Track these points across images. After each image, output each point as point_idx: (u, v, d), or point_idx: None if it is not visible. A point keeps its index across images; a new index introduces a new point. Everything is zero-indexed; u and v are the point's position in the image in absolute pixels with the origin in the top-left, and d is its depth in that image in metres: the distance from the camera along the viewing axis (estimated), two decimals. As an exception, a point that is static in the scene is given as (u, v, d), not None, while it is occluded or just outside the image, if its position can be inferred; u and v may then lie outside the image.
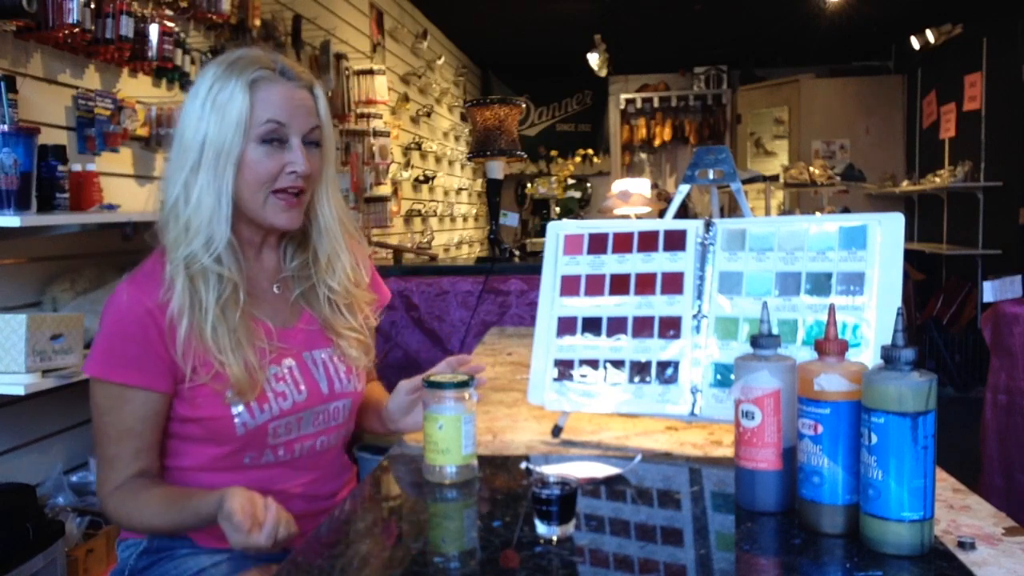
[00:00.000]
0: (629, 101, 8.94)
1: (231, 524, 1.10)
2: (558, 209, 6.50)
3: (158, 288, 1.22)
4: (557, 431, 1.33)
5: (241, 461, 1.28)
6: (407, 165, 5.73)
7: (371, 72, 4.69)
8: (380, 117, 4.82)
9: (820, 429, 0.91)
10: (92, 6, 2.36)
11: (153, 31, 2.65)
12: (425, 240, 5.65)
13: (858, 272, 1.15)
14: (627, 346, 1.29)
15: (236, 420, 1.24)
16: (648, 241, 1.33)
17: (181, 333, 1.20)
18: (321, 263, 1.35)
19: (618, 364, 1.29)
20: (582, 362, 1.32)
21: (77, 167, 2.30)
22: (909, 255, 4.87)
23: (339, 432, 1.38)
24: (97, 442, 1.25)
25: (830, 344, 0.93)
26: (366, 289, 1.43)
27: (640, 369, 1.27)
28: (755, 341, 1.00)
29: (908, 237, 6.86)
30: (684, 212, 3.35)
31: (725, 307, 1.24)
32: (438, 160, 6.67)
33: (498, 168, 3.54)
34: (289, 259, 1.37)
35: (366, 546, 0.94)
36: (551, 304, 1.37)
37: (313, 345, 1.35)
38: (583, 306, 1.35)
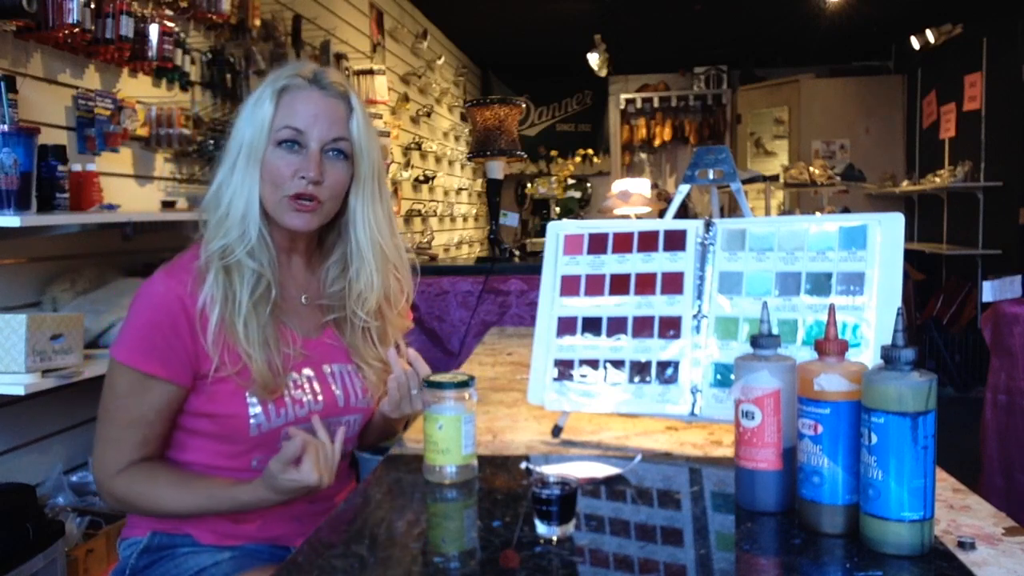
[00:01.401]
0: (629, 101, 8.94)
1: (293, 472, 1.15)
2: (558, 209, 6.50)
3: (192, 281, 1.25)
4: (557, 431, 1.33)
5: (248, 463, 1.28)
6: (407, 165, 5.74)
7: (371, 72, 4.70)
8: (380, 117, 4.83)
9: (820, 429, 0.91)
10: (92, 6, 2.36)
11: (153, 31, 2.65)
12: (425, 240, 5.65)
13: (858, 272, 1.15)
14: (627, 346, 1.29)
15: (252, 420, 1.25)
16: (648, 241, 1.33)
17: (212, 323, 1.22)
18: (354, 292, 1.35)
19: (618, 364, 1.29)
20: (582, 362, 1.32)
21: (77, 167, 2.30)
22: (909, 255, 4.87)
23: (346, 445, 1.39)
24: (102, 422, 1.26)
25: (830, 344, 0.93)
26: (402, 315, 1.44)
27: (640, 369, 1.27)
28: (755, 341, 1.00)
29: (908, 237, 6.86)
30: (684, 212, 3.35)
31: (725, 307, 1.24)
32: (438, 160, 6.67)
33: (498, 168, 3.54)
34: (329, 284, 1.37)
35: (366, 546, 0.94)
36: (551, 304, 1.37)
37: (333, 359, 1.36)
38: (583, 306, 1.35)
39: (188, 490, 1.24)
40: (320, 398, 1.31)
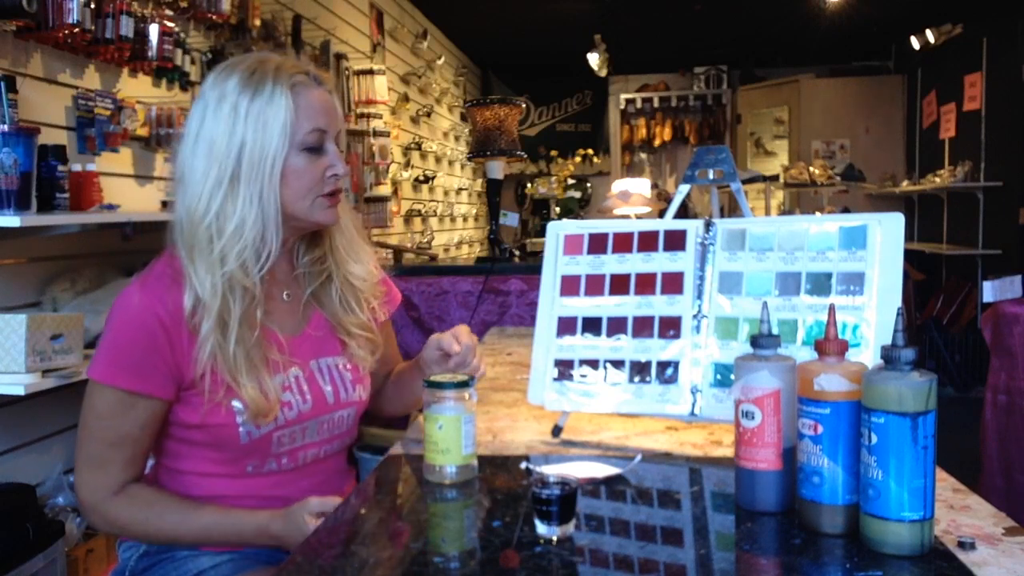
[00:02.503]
0: (629, 101, 8.94)
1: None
2: (558, 209, 6.51)
3: (168, 292, 1.20)
4: (557, 431, 1.33)
5: (244, 469, 1.28)
6: (407, 165, 5.74)
7: (371, 72, 4.70)
8: (380, 117, 4.83)
9: (820, 429, 0.91)
10: (92, 6, 2.36)
11: (153, 31, 2.65)
12: (425, 240, 5.65)
13: (858, 272, 1.15)
14: (627, 346, 1.29)
15: (240, 429, 1.23)
16: (648, 241, 1.33)
17: (205, 352, 1.19)
18: (341, 252, 1.35)
19: (618, 364, 1.29)
20: (582, 362, 1.32)
21: (77, 167, 2.31)
22: (909, 255, 4.87)
23: (343, 440, 1.38)
24: (85, 442, 1.22)
25: (830, 344, 0.93)
26: (376, 282, 1.43)
27: (640, 369, 1.27)
28: (755, 341, 1.00)
29: (908, 237, 6.86)
30: (684, 212, 3.35)
31: (725, 307, 1.24)
32: (438, 160, 6.67)
33: (498, 168, 3.54)
34: (301, 255, 1.36)
35: (366, 546, 0.94)
36: (551, 304, 1.37)
37: (321, 352, 1.34)
38: (583, 306, 1.35)
39: (192, 516, 1.23)
40: (308, 398, 1.30)
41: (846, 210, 6.42)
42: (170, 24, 2.73)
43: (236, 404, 1.23)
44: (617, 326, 1.31)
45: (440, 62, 6.67)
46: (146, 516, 1.22)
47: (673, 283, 1.28)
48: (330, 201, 1.27)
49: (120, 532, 1.27)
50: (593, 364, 1.31)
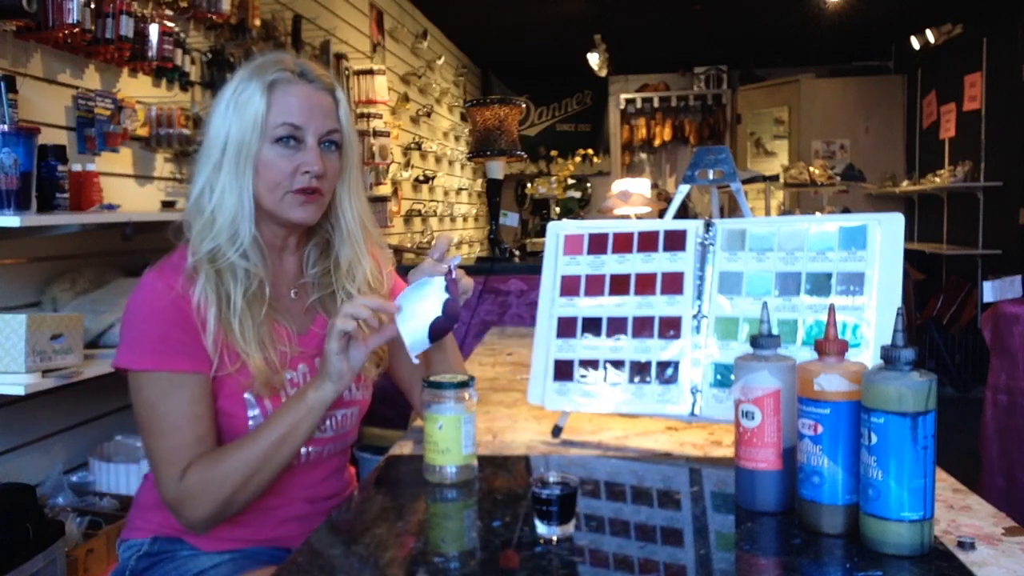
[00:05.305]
0: (629, 101, 8.94)
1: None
2: (558, 209, 6.50)
3: (184, 280, 1.23)
4: (557, 431, 1.33)
5: None
6: (407, 165, 5.74)
7: (371, 72, 4.70)
8: (380, 117, 4.83)
9: (820, 429, 0.91)
10: (92, 6, 2.36)
11: (153, 31, 2.65)
12: (425, 240, 5.65)
13: (858, 272, 1.15)
14: (627, 346, 1.29)
15: (250, 422, 1.24)
16: (648, 241, 1.33)
17: (210, 323, 1.21)
18: (342, 269, 1.35)
19: (618, 364, 1.29)
20: (582, 362, 1.32)
21: (77, 167, 2.31)
22: (909, 255, 4.87)
23: (344, 440, 1.39)
24: (151, 439, 1.21)
25: (830, 344, 0.93)
26: (386, 297, 1.41)
27: (640, 369, 1.27)
28: (755, 341, 1.00)
29: (908, 237, 6.86)
30: (684, 212, 3.35)
31: (725, 307, 1.24)
32: (438, 160, 6.67)
33: (498, 168, 3.54)
34: (311, 265, 1.37)
35: (366, 546, 0.94)
36: (551, 304, 1.37)
37: None
38: (583, 306, 1.35)
39: (253, 438, 1.19)
40: None
41: (846, 210, 6.41)
42: (170, 24, 2.73)
43: (248, 396, 1.24)
44: (617, 326, 1.31)
45: (440, 62, 6.67)
46: (211, 476, 1.17)
47: (673, 283, 1.28)
48: (304, 198, 1.26)
49: (212, 513, 1.19)
50: (593, 364, 1.31)
